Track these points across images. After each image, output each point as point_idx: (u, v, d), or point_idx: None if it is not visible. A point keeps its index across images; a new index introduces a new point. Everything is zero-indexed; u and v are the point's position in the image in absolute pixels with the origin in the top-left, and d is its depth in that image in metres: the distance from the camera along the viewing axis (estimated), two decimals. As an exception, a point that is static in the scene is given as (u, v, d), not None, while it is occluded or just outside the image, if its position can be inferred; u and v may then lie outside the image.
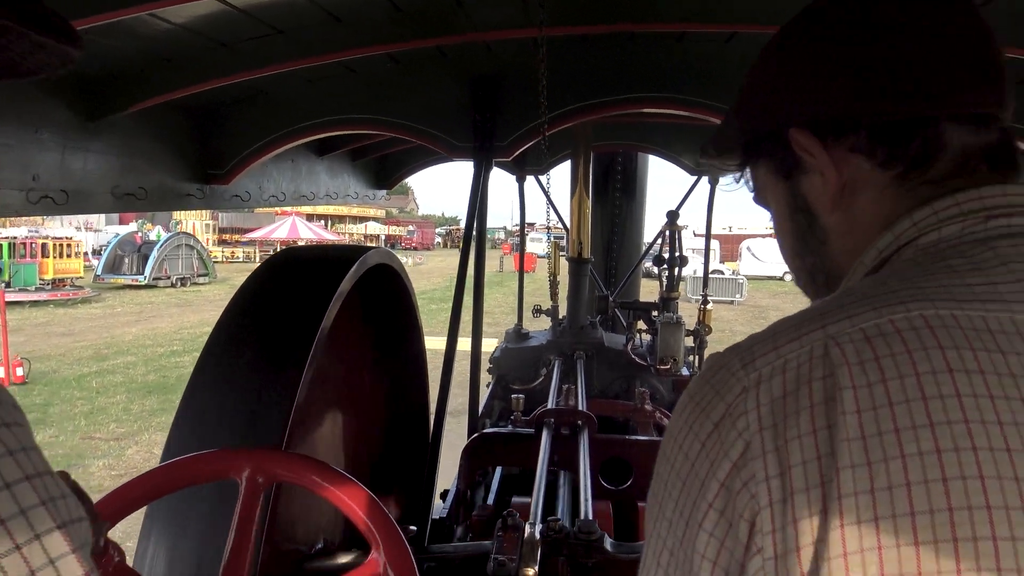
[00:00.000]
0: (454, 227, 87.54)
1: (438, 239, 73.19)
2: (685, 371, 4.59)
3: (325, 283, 2.09)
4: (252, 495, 1.41)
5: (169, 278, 31.10)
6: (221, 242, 50.16)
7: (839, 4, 0.83)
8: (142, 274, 30.25)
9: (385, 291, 2.80)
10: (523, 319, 5.42)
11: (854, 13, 0.81)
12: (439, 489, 3.37)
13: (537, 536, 1.94)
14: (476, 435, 3.02)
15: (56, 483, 0.64)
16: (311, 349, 1.86)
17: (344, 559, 2.01)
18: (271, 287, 2.14)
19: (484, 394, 4.65)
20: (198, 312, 22.67)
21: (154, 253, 30.52)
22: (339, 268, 2.17)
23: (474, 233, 2.79)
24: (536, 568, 1.80)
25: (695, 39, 2.59)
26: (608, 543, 2.06)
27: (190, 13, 1.96)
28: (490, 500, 3.12)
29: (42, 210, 2.07)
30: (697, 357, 4.97)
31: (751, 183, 0.95)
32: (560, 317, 4.96)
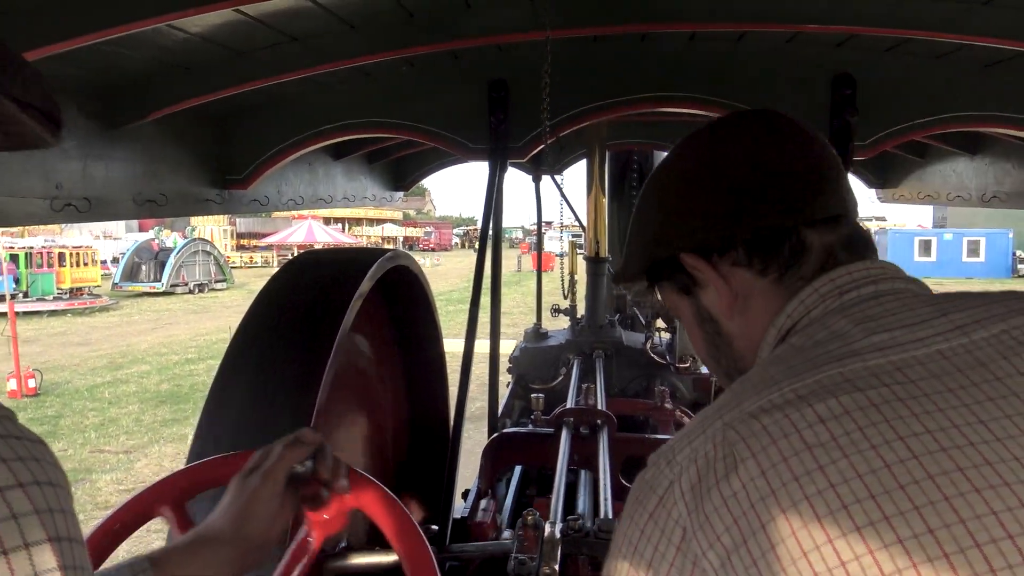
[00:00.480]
0: (471, 228, 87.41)
1: (456, 240, 73.08)
2: (704, 369, 4.58)
3: (345, 285, 2.11)
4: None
5: (187, 284, 31.15)
6: (239, 247, 50.21)
7: (699, 147, 1.01)
8: (159, 281, 30.35)
9: (403, 293, 2.82)
10: (542, 318, 5.43)
11: (713, 153, 0.98)
12: (460, 489, 3.40)
13: (557, 535, 1.95)
14: (496, 435, 3.04)
15: (82, 553, 0.60)
16: (332, 350, 1.88)
17: (366, 559, 2.03)
18: (292, 289, 2.17)
19: (504, 394, 4.66)
20: (215, 318, 22.56)
21: (171, 260, 30.59)
22: (358, 270, 2.19)
23: (490, 233, 2.81)
24: (556, 567, 1.82)
25: (706, 38, 2.59)
26: None
27: (206, 23, 1.99)
28: (510, 499, 3.14)
29: (65, 218, 2.10)
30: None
31: (661, 299, 1.09)
32: (578, 316, 4.96)
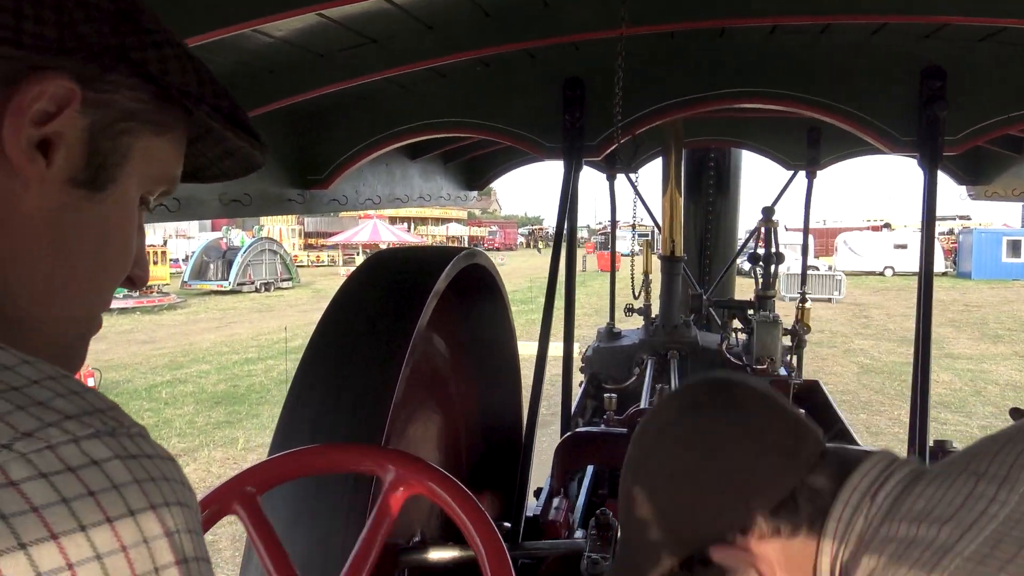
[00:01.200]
0: (537, 227, 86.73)
1: (520, 239, 72.27)
2: (783, 371, 4.48)
3: (421, 283, 2.15)
4: (392, 499, 1.46)
5: (253, 283, 31.21)
6: (307, 246, 50.43)
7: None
8: (227, 279, 30.38)
9: (478, 291, 2.84)
10: (615, 318, 5.40)
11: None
12: (533, 487, 3.41)
13: None
14: (568, 434, 3.04)
15: (209, 571, 0.57)
16: (408, 348, 1.91)
17: (441, 553, 2.06)
18: (369, 287, 2.21)
19: (577, 394, 4.66)
20: (278, 317, 22.35)
21: (238, 259, 30.67)
22: (434, 268, 2.22)
23: (564, 233, 2.81)
24: None
25: (788, 31, 2.54)
26: None
27: (289, 27, 2.05)
28: (583, 498, 3.13)
29: (157, 217, 2.20)
30: (795, 357, 4.85)
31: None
32: (652, 316, 4.92)
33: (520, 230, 77.01)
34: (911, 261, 34.56)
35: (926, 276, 2.58)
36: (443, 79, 2.87)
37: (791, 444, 0.97)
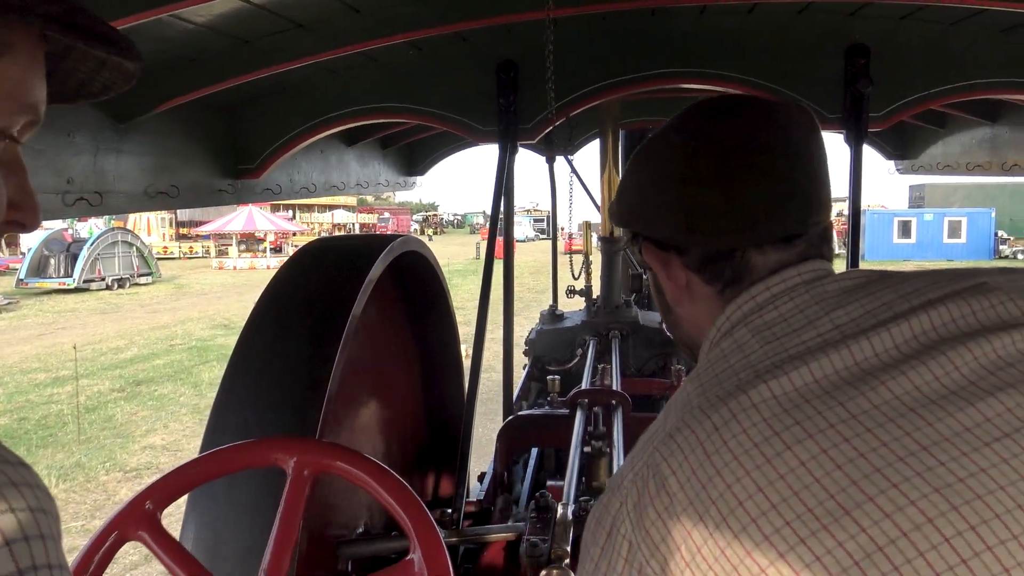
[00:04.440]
0: (432, 213, 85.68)
1: (415, 226, 68.89)
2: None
3: (354, 271, 2.12)
4: (299, 484, 1.44)
5: (104, 279, 27.46)
6: (179, 236, 46.49)
7: (684, 134, 1.00)
8: (71, 276, 26.40)
9: (415, 277, 2.82)
10: (558, 300, 5.42)
11: (690, 151, 0.97)
12: (476, 472, 3.42)
13: (570, 517, 1.95)
14: (511, 417, 3.05)
15: None
16: (342, 338, 1.89)
17: (383, 545, 2.05)
18: (301, 278, 2.18)
19: (521, 376, 4.68)
20: (122, 320, 19.77)
21: (84, 252, 26.66)
22: (367, 256, 2.20)
23: (501, 217, 2.80)
24: (569, 548, 1.82)
25: (717, 12, 2.56)
26: None
27: (210, 12, 1.99)
28: (527, 481, 3.15)
29: (78, 212, 2.12)
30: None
31: (640, 252, 1.11)
32: (594, 297, 4.95)
33: (414, 217, 74.52)
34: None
35: (852, 253, 2.65)
36: (375, 63, 2.83)
37: (771, 203, 0.96)
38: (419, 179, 4.99)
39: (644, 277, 4.83)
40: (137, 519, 1.36)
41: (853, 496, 0.70)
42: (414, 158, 4.80)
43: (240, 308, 17.04)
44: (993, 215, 37.67)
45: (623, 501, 0.85)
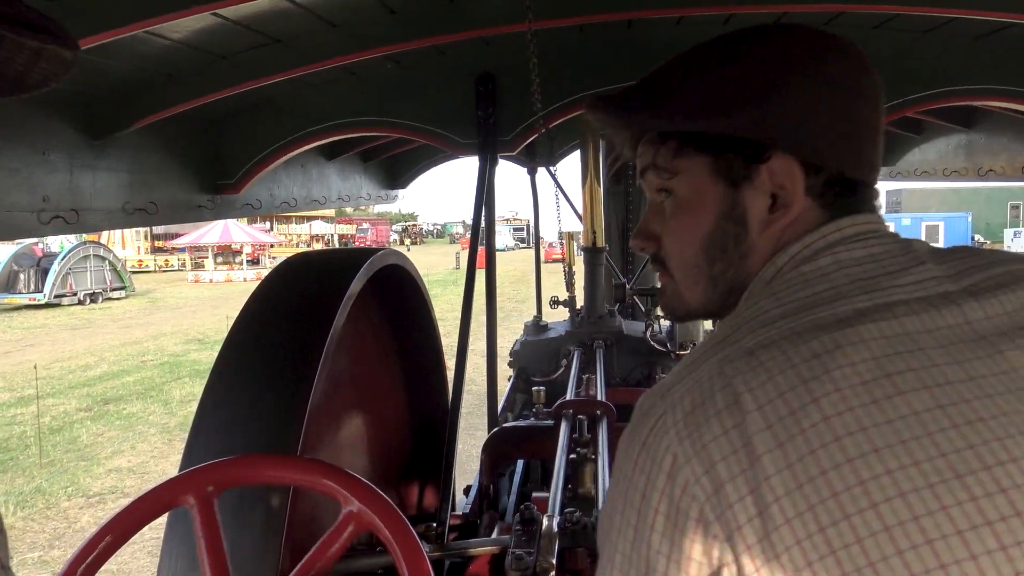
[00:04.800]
0: (411, 224, 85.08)
1: (394, 236, 69.26)
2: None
3: (335, 285, 2.11)
4: (205, 514, 1.41)
5: (75, 294, 26.73)
6: (155, 249, 45.41)
7: (843, 55, 0.89)
8: (41, 292, 25.76)
9: (397, 290, 2.82)
10: (542, 311, 5.42)
11: (858, 67, 0.89)
12: (462, 485, 3.40)
13: (555, 529, 1.94)
14: (496, 429, 3.04)
15: None
16: (323, 352, 1.88)
17: (368, 560, 2.04)
18: (281, 292, 2.16)
19: (506, 388, 4.67)
20: (93, 336, 19.15)
21: (54, 267, 26.04)
22: (348, 270, 2.19)
23: (482, 228, 2.80)
24: (555, 560, 1.81)
25: (694, 22, 2.58)
26: None
27: (186, 28, 1.99)
28: (513, 494, 3.13)
29: (53, 230, 2.11)
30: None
31: (656, 160, 0.94)
32: (578, 307, 4.96)
33: (394, 227, 74.43)
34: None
35: None
36: (353, 77, 2.83)
37: (879, 136, 0.91)
38: (401, 192, 4.99)
39: (628, 287, 4.84)
40: (191, 488, 1.35)
41: (968, 461, 0.67)
42: (396, 171, 4.80)
43: (215, 322, 16.59)
44: (970, 219, 38.20)
45: (668, 410, 0.77)
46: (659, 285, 1.03)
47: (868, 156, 0.90)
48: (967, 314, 0.77)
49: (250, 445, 1.72)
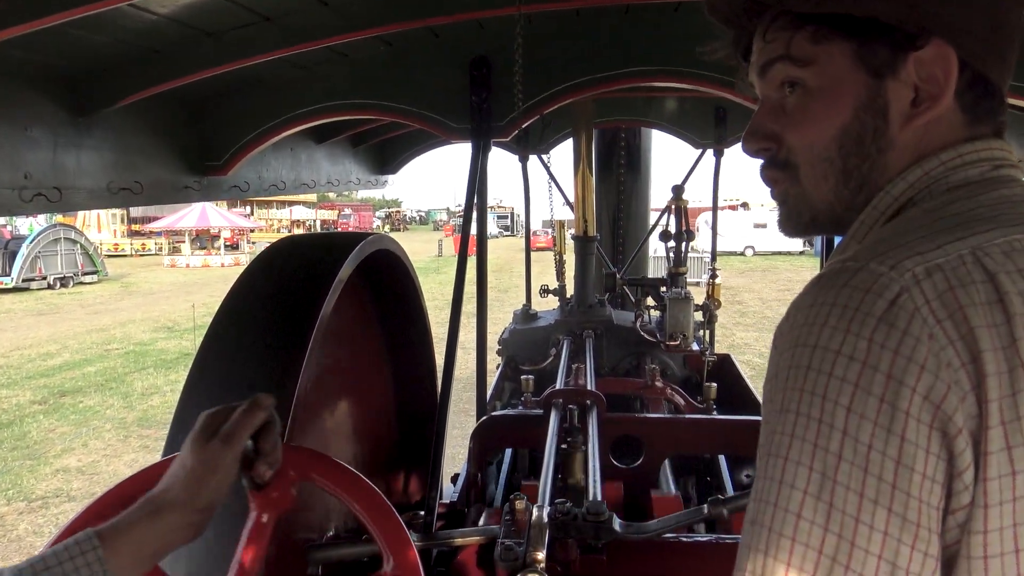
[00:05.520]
0: (395, 210, 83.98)
1: (377, 222, 67.95)
2: (695, 346, 4.56)
3: (323, 270, 2.07)
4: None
5: (45, 278, 26.19)
6: (132, 233, 44.71)
7: None
8: (8, 275, 25.32)
9: (387, 276, 2.78)
10: (531, 299, 5.40)
11: None
12: (450, 473, 3.37)
13: (545, 519, 1.92)
14: (484, 418, 3.01)
15: None
16: (310, 337, 1.84)
17: (353, 549, 2.00)
18: (270, 276, 2.12)
19: (494, 376, 4.64)
20: (59, 322, 18.52)
21: (23, 250, 25.50)
22: (337, 255, 2.15)
23: (475, 215, 2.76)
24: (544, 551, 1.79)
25: (691, 8, 2.54)
26: (617, 524, 2.04)
27: (173, 3, 1.94)
28: (501, 483, 3.11)
29: (35, 208, 2.06)
30: (707, 332, 4.94)
31: (791, 48, 0.87)
32: (568, 296, 4.93)
33: (377, 213, 73.59)
34: (770, 241, 35.73)
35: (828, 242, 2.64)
36: (345, 59, 2.78)
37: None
38: (391, 177, 4.94)
39: (619, 277, 4.82)
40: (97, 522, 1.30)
41: None
42: (386, 156, 4.75)
43: (187, 309, 15.75)
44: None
45: (909, 286, 0.69)
46: (777, 196, 0.95)
47: (1010, 61, 0.85)
48: None
49: None
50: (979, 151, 0.83)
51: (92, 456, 8.87)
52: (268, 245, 2.36)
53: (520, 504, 1.92)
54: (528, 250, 5.84)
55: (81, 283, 27.64)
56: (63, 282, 26.87)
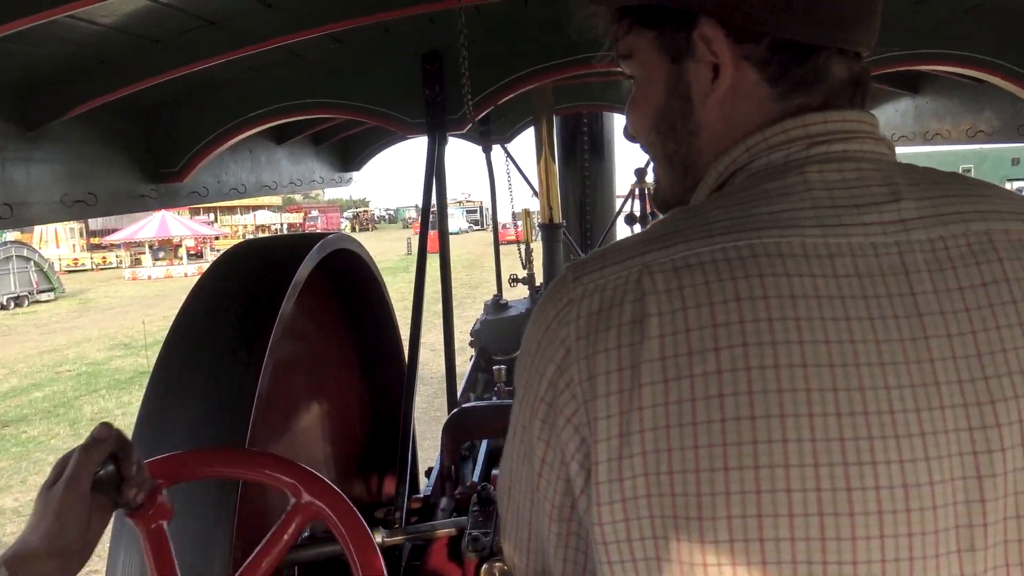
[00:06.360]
0: (362, 210, 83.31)
1: (344, 223, 67.25)
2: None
3: (281, 272, 2.07)
4: (292, 519, 1.41)
5: None
6: (92, 247, 43.53)
7: None
8: None
9: (349, 276, 2.78)
10: (502, 290, 5.41)
11: None
12: (424, 466, 3.39)
13: None
14: (456, 410, 3.03)
15: None
16: (268, 339, 1.85)
17: (326, 548, 2.02)
18: (226, 281, 2.12)
19: (467, 369, 4.66)
20: (10, 345, 17.67)
21: None
22: (294, 256, 2.15)
23: (432, 209, 2.77)
24: None
25: None
26: None
27: (116, 12, 1.92)
28: (476, 475, 3.13)
29: (-13, 225, 2.04)
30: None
31: (618, 44, 0.90)
32: (537, 284, 4.95)
33: (345, 214, 72.73)
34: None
35: None
36: (297, 59, 2.77)
37: (866, 3, 0.80)
38: (355, 174, 4.92)
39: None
40: None
41: (860, 451, 0.66)
42: (348, 153, 4.73)
43: (148, 323, 14.80)
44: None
45: (576, 301, 0.76)
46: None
47: (827, 10, 0.77)
48: (913, 285, 0.71)
49: (196, 437, 1.69)
50: (788, 130, 0.79)
51: (31, 494, 7.83)
52: (226, 249, 2.36)
53: (487, 494, 1.94)
54: (496, 240, 5.85)
55: (37, 301, 26.87)
56: (17, 302, 26.13)
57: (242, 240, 2.60)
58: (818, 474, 0.65)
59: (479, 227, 56.06)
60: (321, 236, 2.34)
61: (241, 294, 2.00)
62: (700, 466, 0.66)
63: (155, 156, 2.80)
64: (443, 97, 2.74)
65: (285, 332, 1.95)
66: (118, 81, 2.24)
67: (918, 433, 0.67)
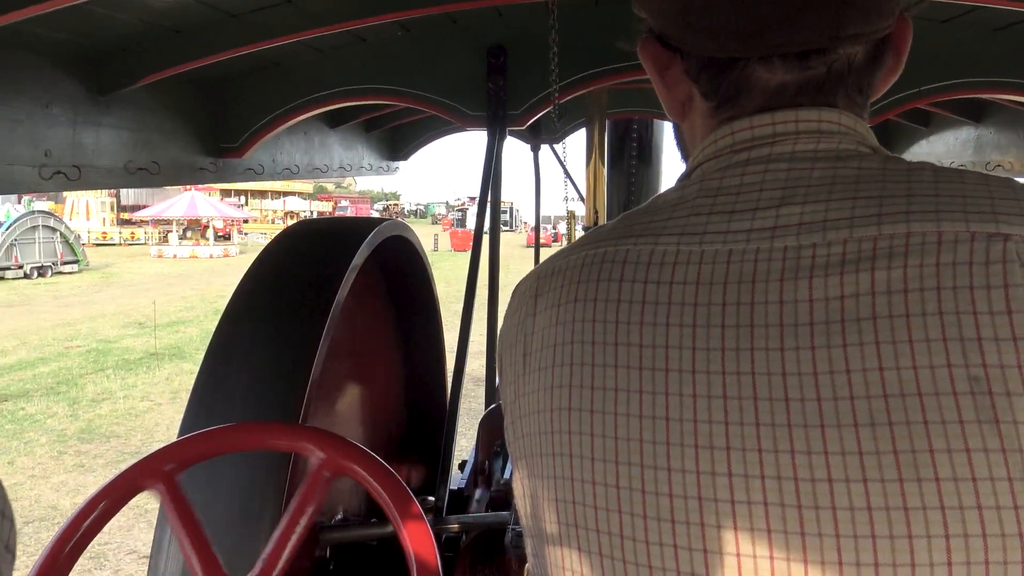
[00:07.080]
0: (392, 203, 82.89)
1: (375, 215, 64.51)
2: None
3: (339, 255, 2.08)
4: (171, 494, 1.37)
5: (21, 267, 25.14)
6: (122, 222, 42.64)
7: None
8: None
9: (400, 263, 2.78)
10: None
11: None
12: (458, 459, 3.39)
13: None
14: (493, 406, 3.02)
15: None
16: (326, 322, 1.85)
17: (364, 531, 2.02)
18: (284, 261, 2.13)
19: None
20: (26, 315, 17.23)
21: None
22: (353, 240, 2.16)
23: (489, 204, 2.77)
24: None
25: None
26: None
27: None
28: (507, 472, 3.12)
29: (55, 185, 2.06)
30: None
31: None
32: None
33: (375, 206, 72.00)
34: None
35: None
36: (363, 44, 2.78)
37: (791, 5, 0.71)
38: (401, 164, 4.94)
39: None
40: (157, 473, 1.31)
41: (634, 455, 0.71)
42: (397, 142, 4.75)
43: (165, 303, 14.58)
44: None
45: (522, 284, 0.87)
46: None
47: (741, 22, 0.72)
48: (756, 294, 0.66)
49: (250, 415, 1.70)
50: (718, 140, 0.78)
51: (17, 477, 7.57)
52: (283, 229, 2.37)
53: None
54: (538, 241, 5.83)
55: (60, 273, 26.51)
56: (40, 272, 25.82)
57: (301, 220, 2.60)
58: (618, 472, 0.68)
59: (507, 228, 55.40)
60: (378, 221, 2.34)
61: (300, 274, 2.01)
62: (531, 452, 0.76)
63: (217, 130, 2.82)
64: (505, 92, 2.73)
65: (339, 314, 1.96)
66: (191, 53, 2.26)
67: (722, 447, 0.64)
